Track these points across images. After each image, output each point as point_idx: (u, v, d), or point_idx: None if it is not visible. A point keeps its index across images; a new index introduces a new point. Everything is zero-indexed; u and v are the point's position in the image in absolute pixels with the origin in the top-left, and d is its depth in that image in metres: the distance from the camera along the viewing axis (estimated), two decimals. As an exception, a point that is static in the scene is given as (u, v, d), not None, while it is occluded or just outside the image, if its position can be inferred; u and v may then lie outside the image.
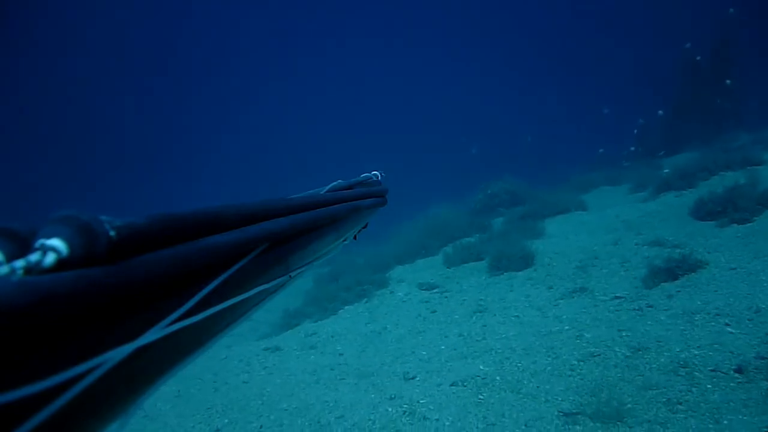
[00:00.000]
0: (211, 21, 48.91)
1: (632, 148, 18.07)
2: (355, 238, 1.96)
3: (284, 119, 51.32)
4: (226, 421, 5.60)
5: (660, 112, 17.59)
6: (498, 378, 5.13)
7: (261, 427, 5.29)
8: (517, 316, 6.56)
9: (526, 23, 48.30)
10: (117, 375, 0.55)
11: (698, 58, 16.76)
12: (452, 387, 5.18)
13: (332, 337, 7.69)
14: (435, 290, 8.63)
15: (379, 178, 2.18)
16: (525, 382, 4.92)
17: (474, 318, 6.89)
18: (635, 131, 18.54)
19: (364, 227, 1.99)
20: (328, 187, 1.59)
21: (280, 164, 45.00)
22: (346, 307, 9.08)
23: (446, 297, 8.11)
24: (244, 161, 47.95)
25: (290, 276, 1.07)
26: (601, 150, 20.10)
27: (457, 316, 7.11)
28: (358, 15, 52.27)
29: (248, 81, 52.16)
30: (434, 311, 7.57)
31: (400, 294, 8.95)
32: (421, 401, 5.06)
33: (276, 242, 0.94)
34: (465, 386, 5.13)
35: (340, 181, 1.69)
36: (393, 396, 5.30)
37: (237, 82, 51.48)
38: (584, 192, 14.09)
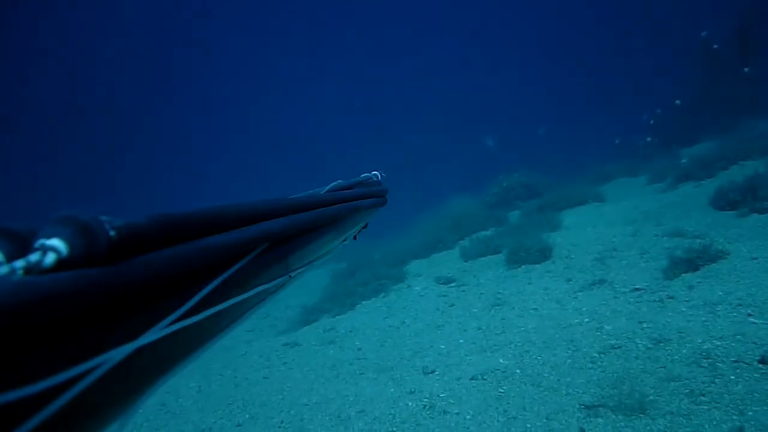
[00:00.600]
0: (212, 21, 48.84)
1: (648, 139, 17.86)
2: (355, 238, 1.97)
3: (290, 118, 51.30)
4: (247, 416, 5.64)
5: (677, 101, 17.38)
6: (518, 371, 5.10)
7: (282, 422, 5.31)
8: (536, 309, 6.52)
9: (538, 12, 47.82)
10: (117, 375, 0.55)
11: (715, 46, 16.54)
12: (472, 381, 5.16)
13: (350, 332, 7.70)
14: (452, 284, 8.61)
15: (379, 178, 2.19)
16: (545, 375, 4.89)
17: (492, 311, 6.87)
18: (651, 121, 18.32)
19: (364, 227, 2.00)
20: (328, 187, 1.60)
21: (281, 165, 45.05)
22: (364, 302, 9.09)
23: (464, 291, 8.08)
24: (244, 161, 48.08)
25: (290, 276, 1.08)
26: (617, 140, 19.89)
27: (475, 310, 7.09)
28: (366, 11, 52.07)
29: (250, 81, 52.08)
30: (452, 305, 7.55)
31: (417, 288, 8.95)
32: (441, 395, 5.05)
33: (276, 242, 0.94)
34: (485, 380, 5.11)
35: (340, 181, 1.70)
36: (413, 390, 5.30)
37: (238, 82, 51.43)
38: (601, 183, 13.98)
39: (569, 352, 5.19)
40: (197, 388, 6.78)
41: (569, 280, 7.17)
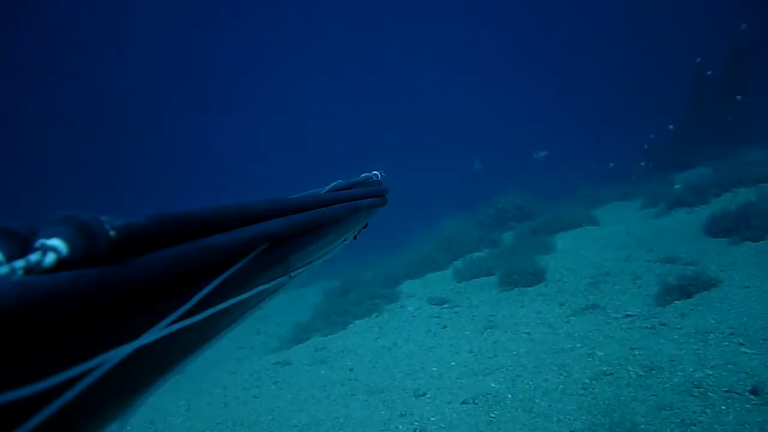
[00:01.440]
0: (211, 20, 48.85)
1: (642, 164, 17.95)
2: (355, 238, 1.97)
3: (291, 118, 51.18)
4: (236, 436, 5.60)
5: (670, 126, 17.50)
6: (509, 396, 5.08)
7: (271, 443, 5.28)
8: (528, 333, 6.51)
9: (529, 32, 48.03)
10: (117, 375, 0.55)
11: (709, 72, 16.70)
12: (463, 405, 5.13)
13: (342, 351, 7.66)
14: (445, 305, 8.60)
15: (379, 178, 2.19)
16: (537, 401, 4.87)
17: (485, 334, 6.85)
18: (645, 146, 18.44)
19: (364, 227, 2.00)
20: (328, 187, 1.60)
21: (282, 165, 44.98)
22: (357, 322, 9.05)
23: (456, 312, 8.06)
24: (245, 162, 47.93)
25: (290, 276, 1.08)
26: (611, 164, 20.02)
27: (467, 332, 7.07)
28: (364, 20, 52.22)
29: (250, 80, 52.00)
30: (445, 327, 7.53)
31: (410, 309, 8.92)
32: (432, 419, 5.01)
33: (276, 242, 0.94)
34: (476, 404, 5.09)
35: (340, 181, 1.71)
36: (404, 413, 5.26)
37: (238, 82, 51.31)
38: (595, 207, 14.01)
39: (561, 377, 5.18)
40: (186, 406, 6.72)
41: (562, 304, 7.17)
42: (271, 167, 44.76)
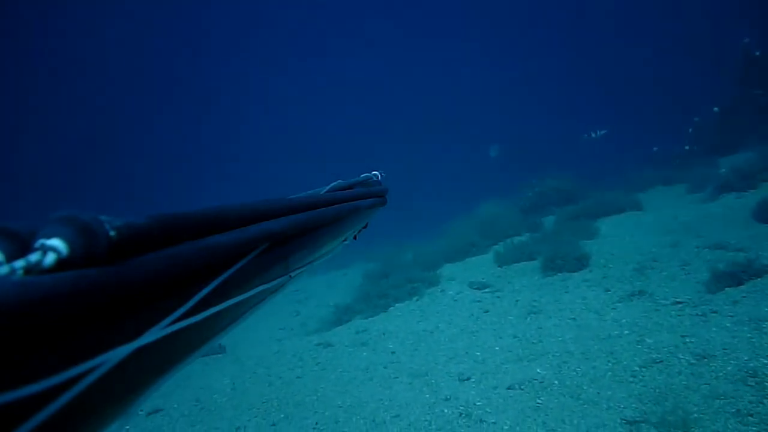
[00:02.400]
0: (211, 20, 48.73)
1: (687, 147, 17.51)
2: (355, 238, 1.97)
3: (291, 119, 50.96)
4: (282, 416, 5.65)
5: (715, 109, 17.04)
6: (556, 382, 5.03)
7: (317, 423, 5.31)
8: (574, 319, 6.42)
9: (571, 11, 46.59)
10: (117, 375, 0.55)
11: (757, 53, 16.20)
12: (509, 390, 5.10)
13: (383, 334, 7.68)
14: (487, 290, 8.54)
15: (379, 178, 2.19)
16: (585, 388, 4.81)
17: (528, 319, 6.79)
18: (690, 129, 17.99)
19: (364, 227, 2.01)
20: (328, 187, 1.61)
21: (281, 165, 45.02)
22: (397, 305, 9.06)
23: (498, 297, 8.01)
24: (244, 162, 48.14)
25: (290, 276, 1.08)
26: (655, 148, 19.54)
27: (511, 317, 7.01)
28: (368, 15, 51.58)
29: (250, 80, 51.83)
30: (487, 311, 7.48)
31: (451, 293, 8.89)
32: (478, 403, 4.99)
33: (276, 242, 0.94)
34: (522, 389, 5.05)
35: (340, 181, 1.71)
36: (448, 397, 5.26)
37: (238, 82, 51.23)
38: (639, 191, 13.67)
39: (609, 364, 5.10)
40: (231, 384, 6.84)
41: (607, 290, 7.05)
42: (270, 167, 44.89)
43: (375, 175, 2.16)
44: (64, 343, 0.48)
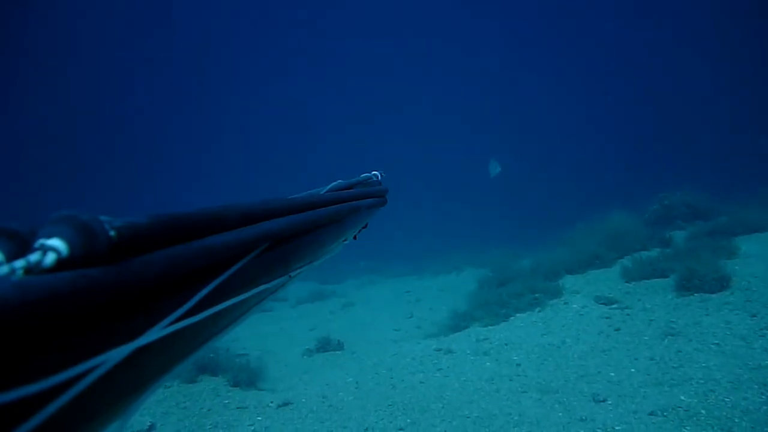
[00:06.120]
0: (211, 21, 48.57)
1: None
2: (355, 238, 1.97)
3: (292, 119, 50.81)
4: (409, 420, 5.57)
5: None
6: (703, 412, 4.72)
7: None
8: (718, 344, 6.03)
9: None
10: (117, 375, 0.56)
11: None
12: (651, 416, 4.82)
13: (505, 345, 7.49)
14: (614, 305, 8.16)
15: (379, 178, 2.19)
16: (736, 420, 4.48)
17: (666, 341, 6.42)
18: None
19: (364, 227, 2.00)
20: (328, 187, 1.61)
21: (282, 165, 44.97)
22: (518, 315, 8.80)
23: (628, 315, 7.63)
24: (245, 162, 48.25)
25: (290, 276, 1.08)
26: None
27: (645, 338, 6.66)
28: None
29: (250, 80, 51.99)
30: (618, 329, 7.14)
31: (575, 306, 8.57)
32: (617, 428, 4.74)
33: (276, 242, 0.95)
34: (665, 416, 4.77)
35: (340, 181, 1.72)
36: (584, 418, 5.03)
37: (238, 82, 51.41)
38: (778, 209, 12.82)
39: (763, 397, 4.75)
40: (355, 383, 6.83)
41: (754, 315, 6.59)
42: (272, 168, 44.94)
43: (375, 175, 2.17)
44: (64, 343, 0.49)
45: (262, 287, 0.92)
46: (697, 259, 8.59)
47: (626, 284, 9.06)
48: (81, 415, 0.53)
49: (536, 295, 9.35)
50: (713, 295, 7.51)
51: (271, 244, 0.92)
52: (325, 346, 8.93)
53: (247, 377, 7.11)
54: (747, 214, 11.57)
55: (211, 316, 0.73)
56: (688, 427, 4.52)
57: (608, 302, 8.33)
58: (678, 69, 39.48)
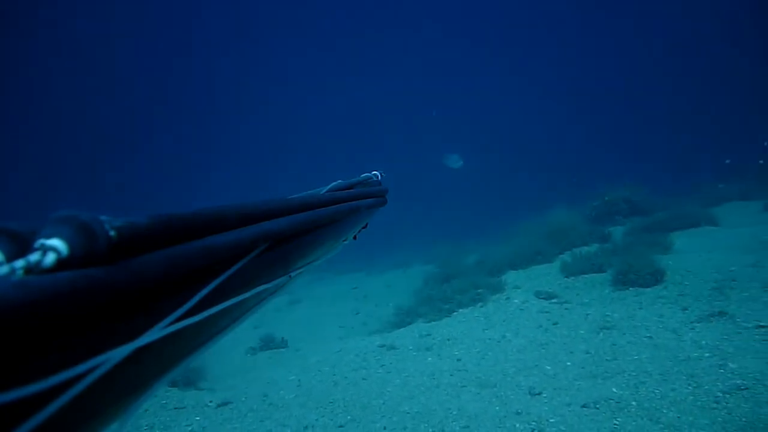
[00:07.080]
0: (211, 20, 48.63)
1: (761, 161, 16.81)
2: (355, 238, 1.97)
3: (292, 119, 50.58)
4: (349, 417, 5.60)
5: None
6: (634, 403, 4.83)
7: (385, 428, 5.25)
8: (650, 337, 6.18)
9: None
10: (117, 375, 0.56)
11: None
12: (584, 408, 4.92)
13: (448, 340, 7.58)
14: (554, 300, 8.33)
15: (379, 178, 2.19)
16: (664, 411, 4.60)
17: (601, 335, 6.57)
18: (765, 143, 17.30)
19: (364, 227, 2.00)
20: (327, 188, 1.61)
21: (282, 165, 44.98)
22: (461, 310, 8.92)
23: (567, 309, 7.79)
24: (245, 162, 48.12)
25: (290, 276, 1.08)
26: (727, 161, 18.85)
27: (581, 331, 6.80)
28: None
29: (251, 80, 51.76)
30: (556, 323, 7.28)
31: (516, 301, 8.72)
32: (551, 420, 4.84)
33: (276, 242, 0.95)
34: (598, 409, 4.87)
35: (339, 181, 1.72)
36: (519, 411, 5.12)
37: (238, 82, 51.14)
38: (712, 206, 13.15)
39: (690, 388, 4.87)
40: (297, 381, 6.86)
41: (685, 308, 6.77)
42: (272, 168, 44.91)
43: (375, 175, 2.17)
44: (64, 343, 0.49)
45: (262, 287, 0.92)
46: (633, 254, 8.81)
47: (566, 279, 9.24)
48: (81, 415, 0.53)
49: (479, 290, 9.47)
50: (648, 289, 7.71)
51: (271, 244, 0.92)
52: (268, 344, 8.90)
53: (186, 377, 7.01)
54: (684, 209, 11.94)
55: (211, 316, 0.73)
56: (619, 419, 4.63)
57: (548, 297, 8.48)
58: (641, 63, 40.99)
